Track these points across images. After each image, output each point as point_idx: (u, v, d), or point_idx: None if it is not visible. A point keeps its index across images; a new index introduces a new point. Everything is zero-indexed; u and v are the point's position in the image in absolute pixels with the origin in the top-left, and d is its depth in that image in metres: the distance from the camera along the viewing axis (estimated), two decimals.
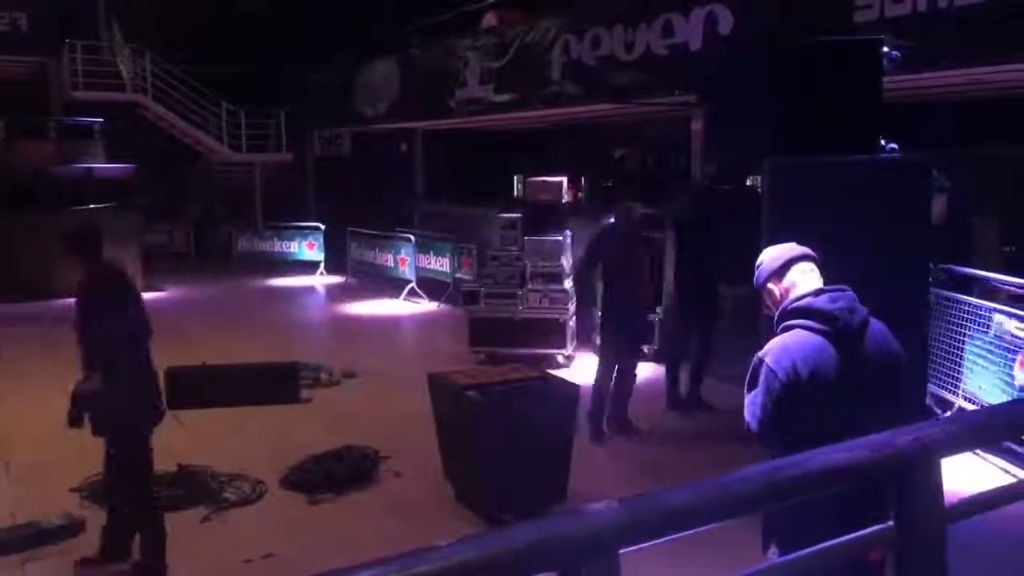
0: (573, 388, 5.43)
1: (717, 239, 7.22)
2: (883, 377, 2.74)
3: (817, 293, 2.77)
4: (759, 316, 3.60)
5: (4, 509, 5.19)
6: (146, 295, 14.02)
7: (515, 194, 17.64)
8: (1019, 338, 5.74)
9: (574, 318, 9.28)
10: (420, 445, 5.80)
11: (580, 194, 16.54)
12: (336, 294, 14.53)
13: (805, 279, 2.84)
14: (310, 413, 7.41)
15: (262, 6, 18.37)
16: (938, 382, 6.38)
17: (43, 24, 16.94)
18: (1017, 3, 6.53)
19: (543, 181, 9.85)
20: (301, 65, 18.19)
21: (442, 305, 12.59)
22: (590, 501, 1.47)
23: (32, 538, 4.79)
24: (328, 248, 16.01)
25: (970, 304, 6.30)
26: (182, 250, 18.67)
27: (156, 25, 17.85)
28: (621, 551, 1.45)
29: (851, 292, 2.80)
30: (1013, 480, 5.17)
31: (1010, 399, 5.56)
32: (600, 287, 9.29)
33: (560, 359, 8.89)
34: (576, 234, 9.98)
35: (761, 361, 2.73)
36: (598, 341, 7.39)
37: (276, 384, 7.63)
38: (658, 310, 9.05)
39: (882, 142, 4.39)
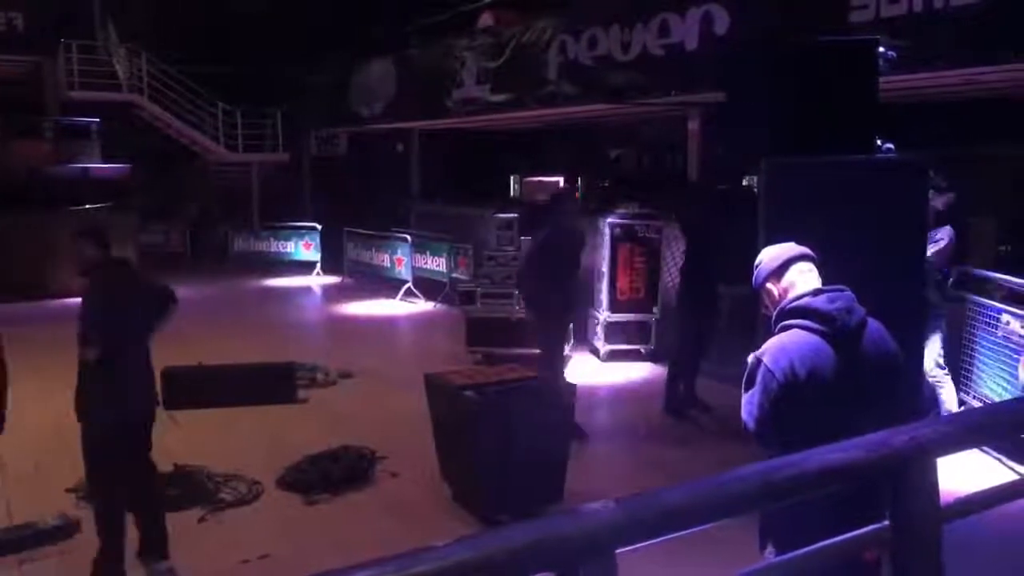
0: (570, 388, 5.43)
1: (717, 239, 7.21)
2: (880, 377, 2.75)
3: (815, 293, 2.78)
4: (756, 316, 3.61)
5: (0, 510, 5.18)
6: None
7: (512, 194, 17.66)
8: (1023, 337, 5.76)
9: None
10: (417, 445, 5.79)
11: (577, 194, 16.54)
12: (332, 294, 14.52)
13: (804, 279, 2.84)
14: (306, 413, 7.40)
15: (258, 6, 18.35)
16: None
17: (39, 24, 16.90)
18: (1012, 3, 6.55)
19: (540, 181, 9.87)
20: (297, 65, 18.17)
21: (438, 305, 12.59)
22: (587, 501, 1.47)
23: (29, 539, 4.78)
24: (324, 248, 16.00)
25: (980, 304, 6.32)
26: (178, 250, 18.64)
27: (152, 25, 17.83)
28: (618, 551, 1.45)
29: (849, 292, 2.80)
30: (1015, 478, 5.18)
31: (1010, 398, 5.57)
32: (596, 288, 9.34)
33: None
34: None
35: (759, 361, 2.73)
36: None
37: (272, 384, 7.62)
38: (655, 310, 9.07)
39: (878, 142, 4.40)
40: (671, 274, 10.12)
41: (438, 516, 5.22)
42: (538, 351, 7.10)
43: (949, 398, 6.05)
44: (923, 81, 7.96)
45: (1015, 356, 5.84)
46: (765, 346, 2.77)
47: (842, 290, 2.80)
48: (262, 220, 18.11)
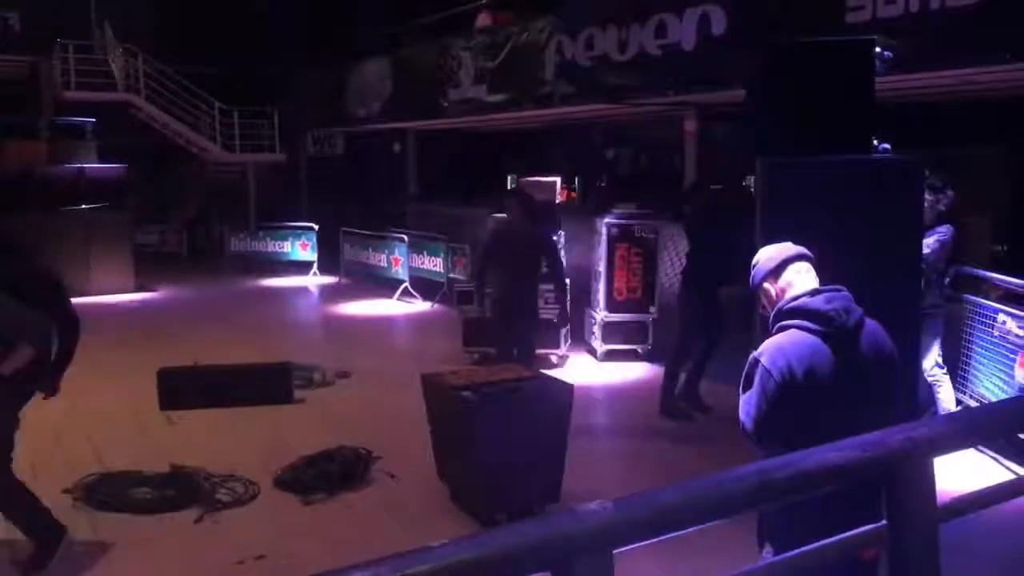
0: (567, 388, 5.43)
1: (716, 238, 7.19)
2: (878, 377, 2.75)
3: (813, 293, 2.78)
4: (754, 316, 3.61)
5: None
6: (139, 296, 14.06)
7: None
8: (1020, 337, 5.77)
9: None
10: (413, 445, 5.79)
11: (574, 194, 16.55)
12: (329, 294, 14.51)
13: (801, 279, 2.84)
14: (303, 414, 7.39)
15: (255, 6, 18.34)
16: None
17: (35, 24, 16.88)
18: (1007, 4, 6.56)
19: (537, 181, 9.86)
20: (294, 65, 18.17)
21: (436, 305, 12.58)
22: (584, 501, 1.47)
23: None
24: (321, 248, 15.98)
25: (976, 304, 6.33)
26: (175, 250, 18.65)
27: (148, 25, 17.82)
28: (615, 551, 1.45)
29: (846, 292, 2.80)
30: (1012, 477, 5.19)
31: (1007, 397, 5.58)
32: (593, 288, 9.34)
33: (554, 359, 8.89)
34: (570, 234, 9.99)
35: (756, 361, 2.73)
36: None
37: (269, 384, 7.61)
38: (652, 310, 9.07)
39: (875, 142, 4.41)
40: (668, 274, 10.13)
41: (435, 516, 5.22)
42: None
43: (947, 398, 6.06)
44: (919, 81, 7.97)
45: (1011, 356, 5.85)
46: (763, 346, 2.77)
47: (839, 290, 2.80)
48: (259, 220, 18.09)
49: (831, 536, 1.82)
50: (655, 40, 9.77)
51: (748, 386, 2.75)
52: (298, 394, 7.75)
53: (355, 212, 16.15)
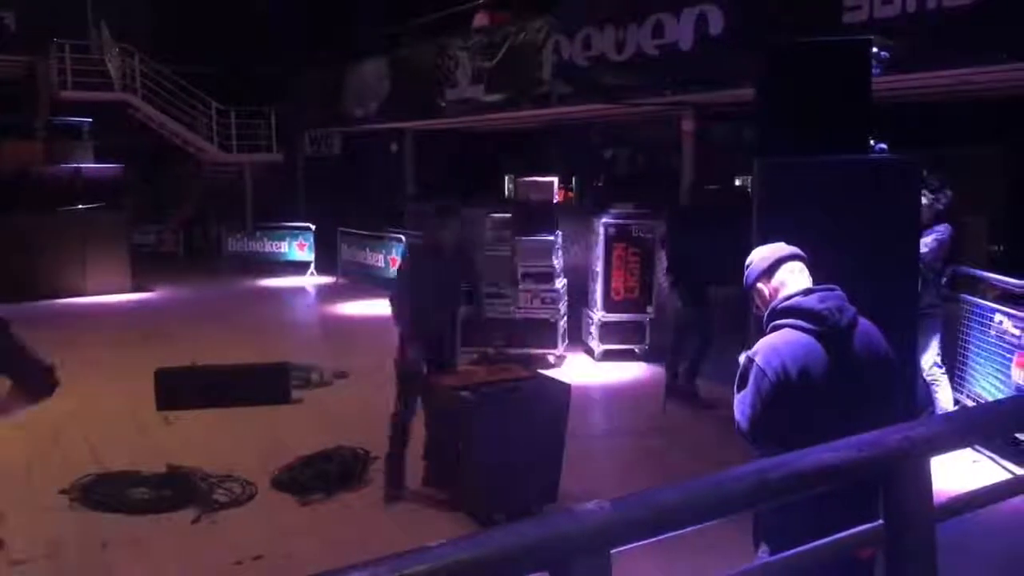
0: (565, 387, 5.43)
1: (712, 238, 7.24)
2: (873, 376, 2.76)
3: (806, 292, 2.78)
4: (748, 315, 3.61)
5: None
6: (136, 296, 14.03)
7: (506, 194, 17.64)
8: (1017, 337, 5.77)
9: (566, 318, 9.30)
10: (411, 446, 5.79)
11: (571, 194, 16.55)
12: (326, 294, 14.50)
13: (794, 279, 2.85)
14: (300, 414, 7.39)
15: (252, 6, 18.32)
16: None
17: (31, 23, 16.84)
18: (1004, 4, 6.57)
19: (534, 181, 9.85)
20: (291, 65, 18.15)
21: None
22: (581, 501, 1.47)
23: None
24: (318, 248, 15.98)
25: (973, 303, 6.34)
26: (171, 251, 18.62)
27: (145, 24, 17.79)
28: (612, 551, 1.45)
29: (840, 291, 2.81)
30: (1009, 477, 5.20)
31: (1003, 397, 5.59)
32: (590, 288, 9.35)
33: (551, 359, 8.90)
34: (567, 234, 10.00)
35: (751, 361, 2.74)
36: None
37: (266, 385, 7.60)
38: (649, 309, 9.08)
39: (871, 142, 4.41)
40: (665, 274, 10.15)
41: (432, 516, 5.22)
42: None
43: (945, 398, 6.07)
44: (916, 81, 7.98)
45: (1008, 355, 5.86)
46: (757, 346, 2.77)
47: (832, 289, 2.81)
48: (256, 220, 18.06)
49: (827, 536, 1.82)
50: (652, 40, 9.77)
51: (743, 386, 2.76)
52: (296, 394, 7.75)
53: (352, 212, 16.13)
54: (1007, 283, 6.31)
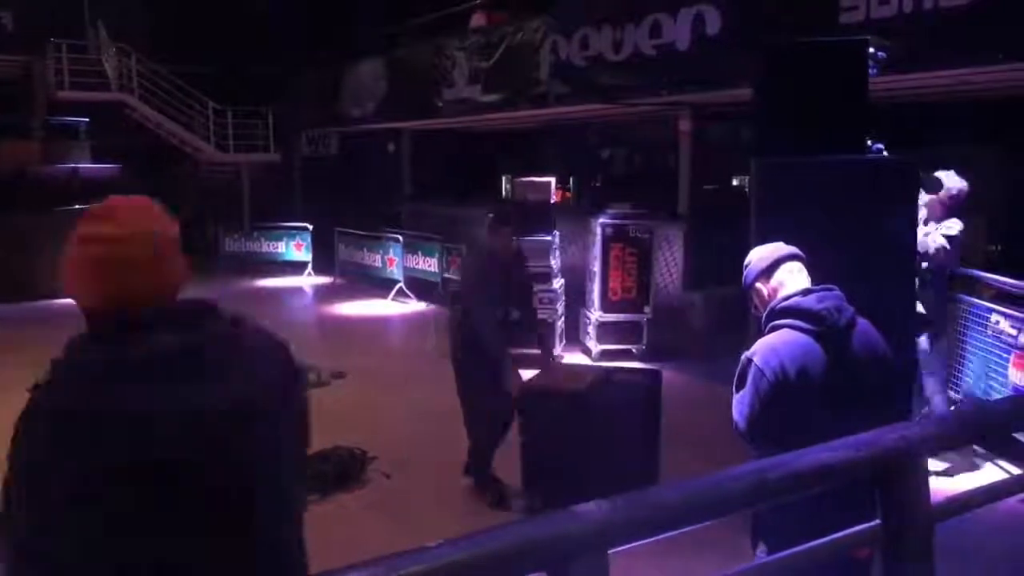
0: (656, 374, 5.62)
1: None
2: (871, 376, 2.76)
3: (805, 293, 2.79)
4: (746, 315, 3.61)
5: None
6: None
7: (503, 194, 17.65)
8: (1013, 338, 5.78)
9: (563, 318, 9.30)
10: (409, 445, 5.79)
11: (568, 194, 16.55)
12: (324, 294, 14.49)
13: (793, 279, 2.85)
14: None
15: (249, 6, 18.30)
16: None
17: (28, 23, 16.81)
18: (1001, 4, 6.58)
19: (531, 181, 9.86)
20: (288, 65, 18.12)
21: (430, 305, 12.57)
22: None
23: None
24: (316, 248, 15.97)
25: (970, 303, 6.33)
26: None
27: (142, 24, 17.75)
28: (610, 551, 1.45)
29: (838, 291, 2.81)
30: (1006, 477, 5.20)
31: (1000, 397, 5.59)
32: (587, 288, 9.35)
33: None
34: (564, 234, 10.00)
35: (749, 361, 2.74)
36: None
37: None
38: (646, 310, 9.08)
39: (868, 142, 4.41)
40: (663, 274, 10.15)
41: (430, 516, 5.21)
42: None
43: (941, 399, 6.07)
44: (914, 82, 7.98)
45: (1004, 355, 5.86)
46: (755, 346, 2.78)
47: (831, 289, 2.81)
48: (253, 220, 18.03)
49: (825, 536, 1.82)
50: (650, 40, 9.78)
51: (741, 386, 2.76)
52: None
53: (350, 212, 16.12)
54: (1004, 283, 6.31)
